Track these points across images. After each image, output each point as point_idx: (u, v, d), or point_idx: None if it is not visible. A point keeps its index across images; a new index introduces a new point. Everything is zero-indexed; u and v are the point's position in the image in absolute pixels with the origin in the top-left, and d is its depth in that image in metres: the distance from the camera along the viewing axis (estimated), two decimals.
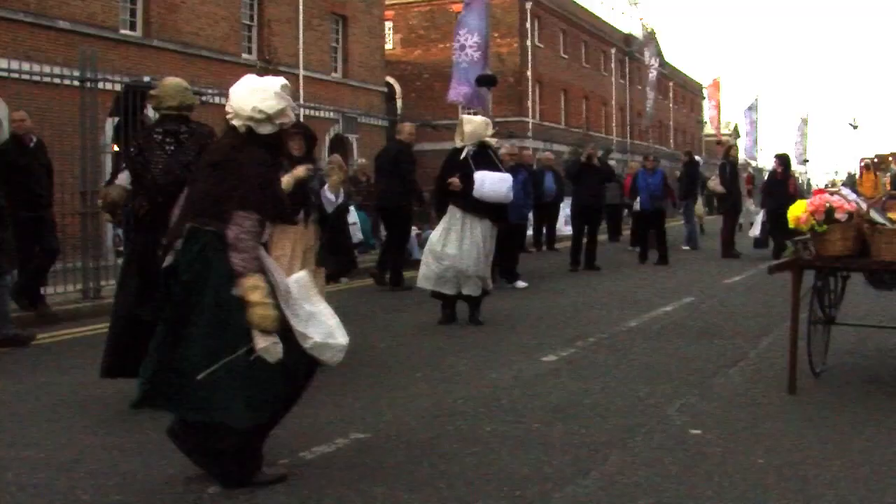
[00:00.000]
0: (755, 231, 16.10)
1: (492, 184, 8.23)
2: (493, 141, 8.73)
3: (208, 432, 3.85)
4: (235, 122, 3.99)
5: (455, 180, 8.14)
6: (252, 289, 3.70)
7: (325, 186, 6.58)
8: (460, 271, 8.22)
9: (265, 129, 3.98)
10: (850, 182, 36.11)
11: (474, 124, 8.49)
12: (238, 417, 3.76)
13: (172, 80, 5.77)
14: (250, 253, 3.77)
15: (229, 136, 4.05)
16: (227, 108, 4.04)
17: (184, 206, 4.09)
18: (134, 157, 5.51)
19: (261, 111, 3.93)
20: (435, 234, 8.51)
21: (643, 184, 15.38)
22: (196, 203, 3.95)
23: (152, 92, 5.70)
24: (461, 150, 8.36)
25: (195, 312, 3.79)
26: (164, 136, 5.51)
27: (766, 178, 21.36)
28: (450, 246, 8.19)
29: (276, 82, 4.04)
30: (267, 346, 3.72)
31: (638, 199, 15.45)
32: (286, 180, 6.09)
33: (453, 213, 8.30)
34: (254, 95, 3.97)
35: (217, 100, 10.85)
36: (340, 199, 6.79)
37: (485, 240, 8.35)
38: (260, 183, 3.86)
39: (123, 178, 5.69)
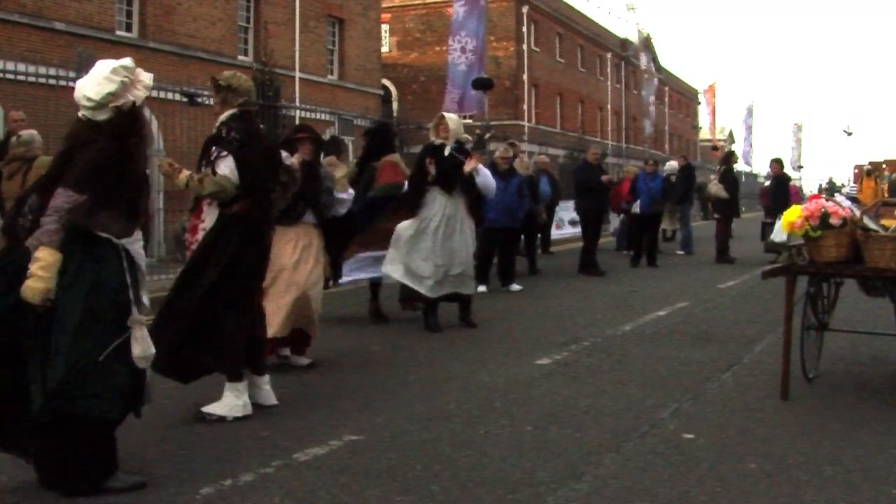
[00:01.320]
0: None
1: (486, 176, 8.38)
2: (466, 137, 8.78)
3: (63, 428, 3.81)
4: (79, 114, 4.03)
5: (431, 165, 8.03)
6: (35, 260, 3.75)
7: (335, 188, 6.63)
8: (455, 270, 8.19)
9: (102, 116, 3.98)
10: (832, 188, 36.42)
11: (455, 122, 8.49)
12: (93, 408, 3.77)
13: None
14: (51, 226, 3.77)
15: (73, 126, 4.09)
16: None
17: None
18: (240, 148, 5.19)
19: (89, 98, 3.95)
20: (411, 230, 8.09)
21: (644, 187, 15.44)
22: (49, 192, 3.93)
23: (231, 85, 5.37)
24: (441, 146, 8.22)
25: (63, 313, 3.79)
26: (260, 132, 5.46)
27: (767, 184, 21.39)
28: (439, 245, 8.04)
29: (109, 65, 4.00)
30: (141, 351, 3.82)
31: (638, 201, 15.49)
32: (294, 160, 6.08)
33: (440, 210, 8.10)
34: (85, 85, 3.99)
35: (212, 102, 10.82)
36: (352, 194, 6.76)
37: (472, 237, 8.42)
38: (89, 166, 3.84)
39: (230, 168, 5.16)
